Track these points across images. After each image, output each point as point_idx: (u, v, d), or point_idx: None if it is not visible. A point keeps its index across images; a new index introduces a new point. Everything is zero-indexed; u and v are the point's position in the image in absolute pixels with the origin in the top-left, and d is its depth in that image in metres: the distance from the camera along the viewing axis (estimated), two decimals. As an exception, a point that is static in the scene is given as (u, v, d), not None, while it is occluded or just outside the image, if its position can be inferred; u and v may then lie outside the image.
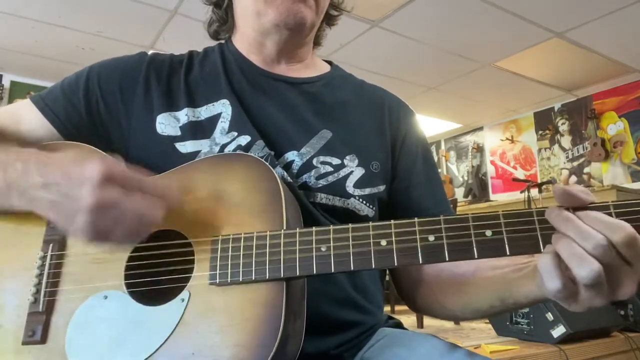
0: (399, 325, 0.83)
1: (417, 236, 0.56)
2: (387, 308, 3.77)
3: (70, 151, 0.60)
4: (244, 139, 0.76)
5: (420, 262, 0.55)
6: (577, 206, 0.50)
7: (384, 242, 0.56)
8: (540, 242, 0.52)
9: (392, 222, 0.57)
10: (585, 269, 0.47)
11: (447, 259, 0.54)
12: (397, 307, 3.88)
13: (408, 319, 3.21)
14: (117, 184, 0.55)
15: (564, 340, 1.99)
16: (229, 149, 0.75)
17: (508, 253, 0.53)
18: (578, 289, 0.49)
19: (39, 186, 0.57)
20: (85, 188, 0.53)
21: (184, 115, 0.78)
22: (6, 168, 0.61)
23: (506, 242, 0.53)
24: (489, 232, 0.53)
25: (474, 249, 0.54)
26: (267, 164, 0.65)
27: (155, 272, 0.65)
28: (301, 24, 0.79)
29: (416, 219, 0.57)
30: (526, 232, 0.52)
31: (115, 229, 0.55)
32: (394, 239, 0.56)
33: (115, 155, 0.62)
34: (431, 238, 0.55)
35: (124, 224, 0.55)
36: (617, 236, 0.47)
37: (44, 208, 0.58)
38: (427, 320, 3.18)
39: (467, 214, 0.55)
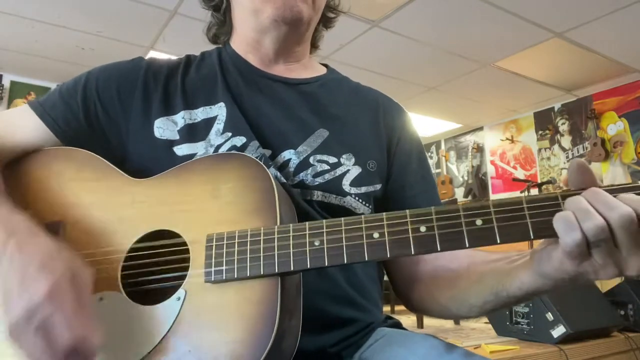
0: (397, 325, 0.83)
1: (409, 227, 0.56)
2: (387, 308, 3.77)
3: (49, 247, 0.59)
4: (239, 140, 0.76)
5: (413, 252, 0.55)
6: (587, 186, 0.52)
7: (376, 234, 0.57)
8: (530, 229, 0.52)
9: (384, 214, 0.58)
10: (591, 221, 0.48)
11: (438, 249, 0.55)
12: (397, 307, 3.88)
13: (408, 319, 3.21)
14: (50, 311, 0.54)
15: (564, 340, 1.98)
16: (223, 149, 0.76)
17: (498, 241, 0.53)
18: (590, 252, 0.50)
19: (5, 268, 0.57)
20: (19, 303, 0.54)
21: (180, 118, 0.79)
22: None
23: (496, 230, 0.53)
24: (479, 221, 0.54)
25: (465, 238, 0.54)
26: (261, 163, 0.66)
27: (151, 272, 0.65)
28: (298, 18, 0.81)
29: (407, 211, 0.57)
30: (516, 219, 0.53)
31: (30, 346, 0.55)
32: (386, 230, 0.57)
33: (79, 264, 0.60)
34: (422, 229, 0.56)
35: (34, 348, 0.54)
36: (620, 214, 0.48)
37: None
38: (427, 321, 3.18)
39: (458, 205, 0.56)
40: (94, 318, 0.57)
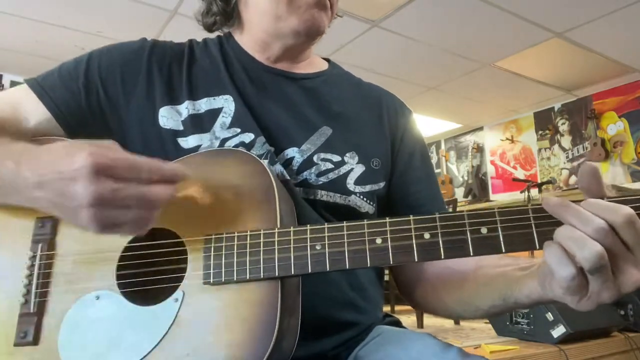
0: (397, 323, 0.82)
1: (413, 234, 0.55)
2: (387, 308, 3.76)
3: (60, 142, 0.58)
4: (248, 137, 0.75)
5: (416, 259, 0.54)
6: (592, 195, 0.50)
7: (379, 240, 0.56)
8: (536, 239, 0.51)
9: (387, 219, 0.57)
10: (588, 250, 0.46)
11: (442, 257, 0.54)
12: (397, 307, 3.87)
13: (408, 319, 3.20)
14: (110, 173, 0.52)
15: (564, 340, 1.98)
16: (229, 144, 0.75)
17: (504, 250, 0.52)
18: (587, 280, 0.48)
19: (34, 186, 0.56)
20: (79, 184, 0.51)
21: (184, 109, 0.77)
22: None
23: (502, 239, 0.52)
24: (484, 230, 0.53)
25: (470, 246, 0.53)
26: (260, 160, 0.65)
27: (148, 272, 0.64)
28: (319, 32, 0.81)
29: (411, 217, 0.56)
30: (521, 228, 0.52)
31: (120, 217, 0.53)
32: (389, 236, 0.56)
33: (111, 142, 0.58)
34: (427, 235, 0.55)
35: (128, 211, 0.53)
36: (616, 217, 0.47)
37: (45, 207, 0.57)
38: (427, 320, 3.17)
39: (463, 211, 0.54)
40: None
